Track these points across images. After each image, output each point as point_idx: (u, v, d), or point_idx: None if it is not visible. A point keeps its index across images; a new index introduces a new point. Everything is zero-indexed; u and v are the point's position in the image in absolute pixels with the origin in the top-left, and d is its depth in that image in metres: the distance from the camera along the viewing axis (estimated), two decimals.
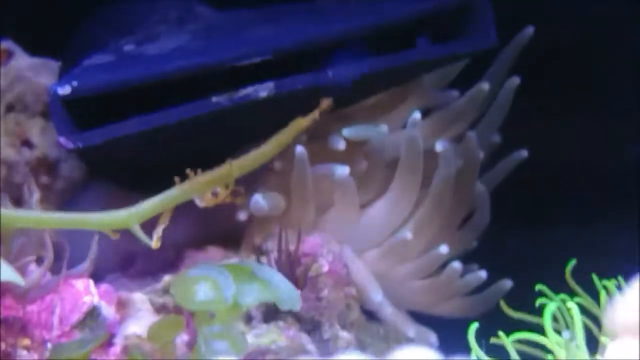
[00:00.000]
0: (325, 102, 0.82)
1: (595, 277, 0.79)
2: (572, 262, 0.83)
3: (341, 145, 0.87)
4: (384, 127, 0.89)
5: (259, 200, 0.86)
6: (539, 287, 0.80)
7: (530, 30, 0.96)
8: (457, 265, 0.90)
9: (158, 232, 0.64)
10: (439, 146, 0.88)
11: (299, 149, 0.85)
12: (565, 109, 1.08)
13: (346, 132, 0.88)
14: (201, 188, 0.62)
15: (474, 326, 0.74)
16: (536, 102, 0.98)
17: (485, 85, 0.94)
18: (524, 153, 0.97)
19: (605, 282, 0.78)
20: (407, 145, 0.88)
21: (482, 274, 0.92)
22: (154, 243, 0.64)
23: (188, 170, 0.64)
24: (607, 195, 1.06)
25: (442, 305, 0.94)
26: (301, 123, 0.75)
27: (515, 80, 0.95)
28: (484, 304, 0.94)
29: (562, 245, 1.05)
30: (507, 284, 0.94)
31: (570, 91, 1.06)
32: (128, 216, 0.61)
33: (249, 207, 0.87)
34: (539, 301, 0.79)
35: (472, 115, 0.96)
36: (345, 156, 0.88)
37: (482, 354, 0.72)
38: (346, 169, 0.86)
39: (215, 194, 0.63)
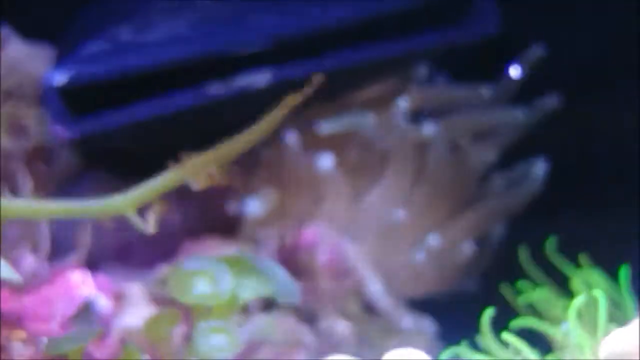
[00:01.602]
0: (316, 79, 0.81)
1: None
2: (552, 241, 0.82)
3: (326, 130, 0.87)
4: (369, 116, 0.88)
5: (254, 207, 0.85)
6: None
7: (538, 50, 0.95)
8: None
9: (154, 218, 0.64)
10: (426, 129, 0.87)
11: (291, 138, 0.85)
12: (572, 97, 1.07)
13: (331, 124, 0.87)
14: (195, 171, 0.62)
15: (490, 311, 0.73)
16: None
17: (520, 114, 0.94)
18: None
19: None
20: (395, 129, 0.87)
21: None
22: (151, 228, 0.63)
23: (182, 154, 0.63)
24: (616, 184, 1.05)
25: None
26: (292, 100, 0.75)
27: (554, 100, 0.95)
28: (482, 260, 0.93)
29: (569, 233, 1.04)
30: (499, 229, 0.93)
31: (581, 79, 1.06)
32: (123, 202, 0.61)
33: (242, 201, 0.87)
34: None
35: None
36: (336, 146, 0.87)
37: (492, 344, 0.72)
38: (329, 159, 0.85)
39: (210, 176, 0.63)
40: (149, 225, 0.63)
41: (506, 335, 0.68)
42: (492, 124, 0.96)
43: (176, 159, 0.71)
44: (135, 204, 0.61)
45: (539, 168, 0.93)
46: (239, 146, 0.64)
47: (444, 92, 0.96)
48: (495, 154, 0.95)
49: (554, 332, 0.71)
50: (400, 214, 0.87)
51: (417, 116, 0.93)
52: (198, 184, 0.63)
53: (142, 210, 0.65)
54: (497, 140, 0.96)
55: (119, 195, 0.61)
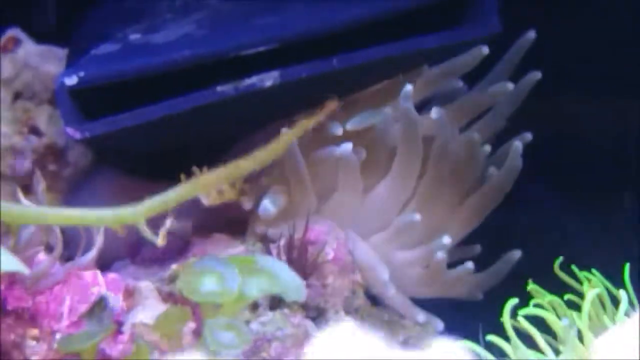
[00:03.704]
0: (331, 104, 0.82)
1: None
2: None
3: (339, 131, 0.87)
4: (387, 110, 0.89)
5: (268, 207, 0.86)
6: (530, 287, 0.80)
7: (531, 34, 0.96)
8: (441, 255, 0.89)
9: (163, 231, 0.65)
10: (434, 113, 0.88)
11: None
12: (569, 94, 1.08)
13: (351, 123, 0.88)
14: (207, 186, 0.63)
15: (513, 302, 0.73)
16: (539, 86, 0.98)
17: (510, 85, 0.94)
18: (528, 136, 0.96)
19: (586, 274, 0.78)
20: (402, 119, 0.87)
21: (469, 265, 0.90)
22: (160, 241, 0.65)
23: (194, 168, 0.64)
24: (611, 181, 1.06)
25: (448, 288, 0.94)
26: (306, 123, 0.75)
27: (537, 75, 0.95)
28: (493, 278, 0.94)
29: (567, 230, 1.05)
30: (516, 254, 0.93)
31: (575, 76, 1.07)
32: (133, 213, 0.62)
33: (254, 198, 0.87)
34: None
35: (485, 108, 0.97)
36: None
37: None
38: (349, 145, 0.86)
39: (220, 192, 0.64)
40: (159, 237, 0.64)
41: (521, 321, 0.68)
42: (487, 102, 0.96)
43: (188, 161, 0.72)
44: (146, 215, 0.63)
45: (516, 147, 0.93)
46: (250, 164, 0.65)
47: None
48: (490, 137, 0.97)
49: (558, 325, 0.72)
50: (415, 216, 0.88)
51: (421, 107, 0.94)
52: (208, 199, 0.64)
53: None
54: (491, 122, 0.97)
55: (130, 206, 0.62)
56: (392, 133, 0.91)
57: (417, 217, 0.87)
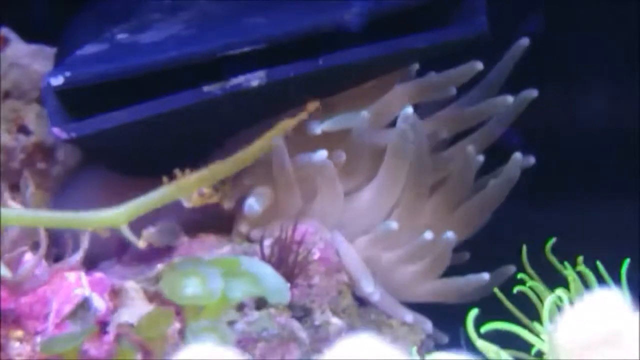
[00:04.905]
0: (312, 105, 0.82)
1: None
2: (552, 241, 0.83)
3: (318, 130, 0.87)
4: (364, 114, 0.88)
5: (253, 205, 0.86)
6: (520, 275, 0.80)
7: (525, 41, 0.96)
8: (451, 236, 0.89)
9: (144, 234, 0.65)
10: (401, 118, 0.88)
11: (276, 139, 0.85)
12: (564, 89, 1.08)
13: (325, 124, 0.88)
14: (188, 188, 0.63)
15: (474, 312, 0.73)
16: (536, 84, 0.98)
17: (509, 99, 0.94)
18: (531, 160, 0.96)
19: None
20: (396, 136, 0.88)
21: (485, 276, 0.91)
22: (141, 244, 0.65)
23: (176, 170, 0.64)
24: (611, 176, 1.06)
25: (438, 293, 0.94)
26: (287, 124, 0.75)
27: (533, 93, 0.95)
28: (483, 289, 0.93)
29: (562, 228, 1.05)
30: (510, 269, 0.93)
31: (573, 71, 1.07)
32: (115, 216, 0.62)
33: (235, 198, 0.88)
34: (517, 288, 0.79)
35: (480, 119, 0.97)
36: (326, 146, 0.88)
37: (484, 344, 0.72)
38: (324, 152, 0.86)
39: (202, 194, 0.64)
40: (140, 240, 0.64)
41: (481, 344, 0.69)
42: (484, 114, 0.96)
43: (176, 160, 0.72)
44: (128, 217, 0.63)
45: (516, 158, 0.92)
46: (231, 166, 0.65)
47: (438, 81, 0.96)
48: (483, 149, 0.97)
49: (528, 336, 0.72)
50: (393, 224, 0.88)
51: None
52: (190, 201, 0.64)
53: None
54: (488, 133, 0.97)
55: (112, 209, 0.62)
56: (368, 136, 0.90)
57: (394, 224, 0.87)
